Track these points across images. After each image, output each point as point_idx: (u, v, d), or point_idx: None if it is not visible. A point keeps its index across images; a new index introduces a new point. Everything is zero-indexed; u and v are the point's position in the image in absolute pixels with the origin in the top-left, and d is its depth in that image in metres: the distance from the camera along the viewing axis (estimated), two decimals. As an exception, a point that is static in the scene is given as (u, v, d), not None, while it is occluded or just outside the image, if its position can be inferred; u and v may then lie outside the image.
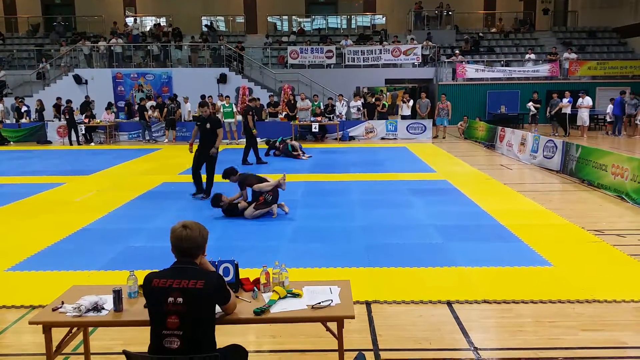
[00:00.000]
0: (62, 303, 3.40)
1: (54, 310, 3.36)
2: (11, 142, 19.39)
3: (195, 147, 9.88)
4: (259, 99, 19.25)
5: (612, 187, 9.71)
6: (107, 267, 6.11)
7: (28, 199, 9.90)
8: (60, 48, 24.85)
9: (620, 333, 4.49)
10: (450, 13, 28.02)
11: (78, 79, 22.47)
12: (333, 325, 3.47)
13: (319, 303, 3.38)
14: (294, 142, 15.38)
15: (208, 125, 9.60)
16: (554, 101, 19.47)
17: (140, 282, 3.25)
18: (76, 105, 19.88)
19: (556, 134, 18.65)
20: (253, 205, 8.17)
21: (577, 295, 5.16)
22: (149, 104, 19.96)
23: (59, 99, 20.47)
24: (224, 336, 3.53)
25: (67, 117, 18.86)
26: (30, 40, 27.57)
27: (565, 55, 24.28)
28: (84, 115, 19.42)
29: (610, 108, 19.61)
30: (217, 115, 17.58)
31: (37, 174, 12.64)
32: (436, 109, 20.06)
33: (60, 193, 10.48)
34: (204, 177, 9.78)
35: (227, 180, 8.64)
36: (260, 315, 3.28)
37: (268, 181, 8.36)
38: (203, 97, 10.30)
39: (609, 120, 20.05)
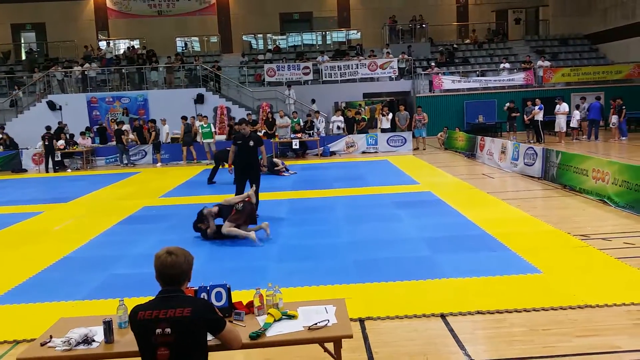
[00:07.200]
0: (51, 337, 3.28)
1: (42, 345, 3.24)
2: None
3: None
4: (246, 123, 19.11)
5: (594, 192, 9.82)
6: (91, 296, 5.96)
7: (5, 229, 9.65)
8: (33, 75, 24.52)
9: (613, 337, 4.50)
10: (424, 26, 28.40)
11: (52, 105, 22.15)
12: (330, 346, 3.41)
13: (316, 324, 3.32)
14: (275, 160, 15.36)
15: (251, 143, 9.42)
16: (528, 109, 19.75)
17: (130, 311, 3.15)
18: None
19: (532, 141, 18.87)
20: (228, 218, 7.84)
21: (569, 302, 5.17)
22: (124, 127, 19.69)
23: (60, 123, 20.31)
24: (218, 362, 3.44)
25: (47, 143, 18.54)
26: (1, 68, 27.20)
27: (539, 63, 24.69)
28: (59, 141, 19.08)
29: (576, 114, 19.81)
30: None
31: (14, 203, 12.36)
32: (413, 121, 20.22)
33: (38, 222, 10.24)
34: None
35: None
36: (256, 340, 3.21)
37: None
38: (243, 120, 9.83)
39: (574, 126, 20.05)
